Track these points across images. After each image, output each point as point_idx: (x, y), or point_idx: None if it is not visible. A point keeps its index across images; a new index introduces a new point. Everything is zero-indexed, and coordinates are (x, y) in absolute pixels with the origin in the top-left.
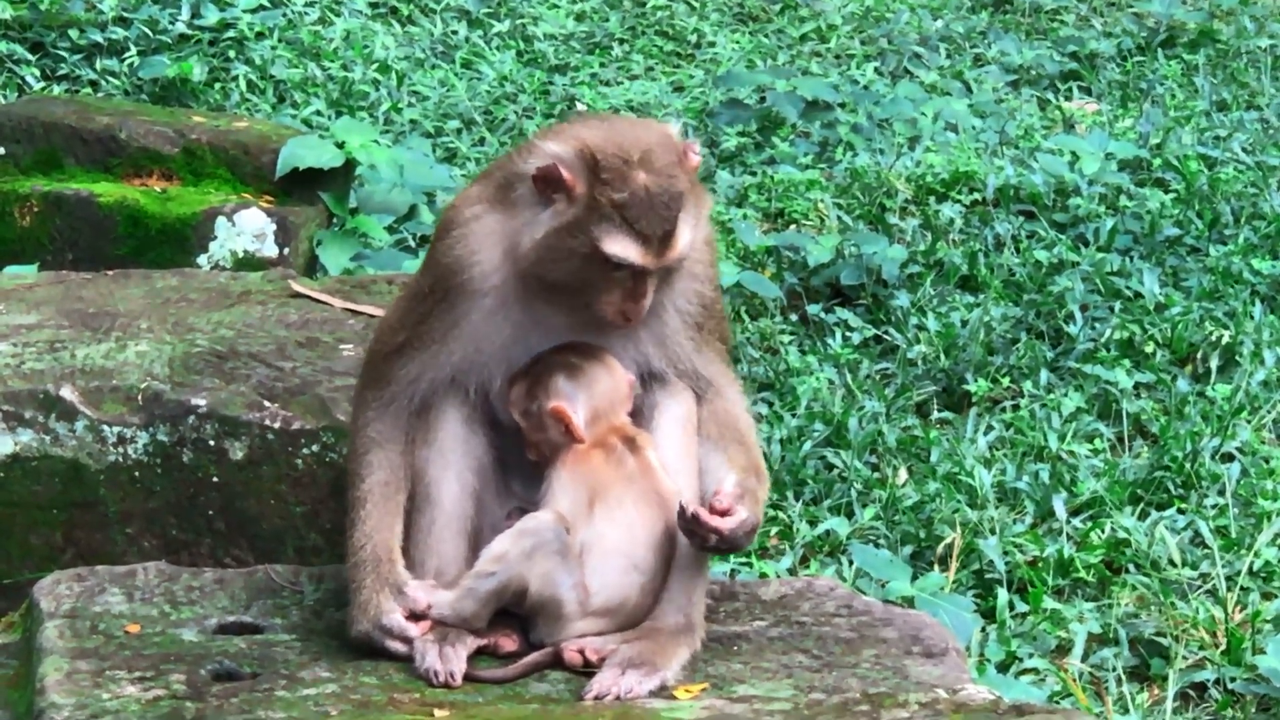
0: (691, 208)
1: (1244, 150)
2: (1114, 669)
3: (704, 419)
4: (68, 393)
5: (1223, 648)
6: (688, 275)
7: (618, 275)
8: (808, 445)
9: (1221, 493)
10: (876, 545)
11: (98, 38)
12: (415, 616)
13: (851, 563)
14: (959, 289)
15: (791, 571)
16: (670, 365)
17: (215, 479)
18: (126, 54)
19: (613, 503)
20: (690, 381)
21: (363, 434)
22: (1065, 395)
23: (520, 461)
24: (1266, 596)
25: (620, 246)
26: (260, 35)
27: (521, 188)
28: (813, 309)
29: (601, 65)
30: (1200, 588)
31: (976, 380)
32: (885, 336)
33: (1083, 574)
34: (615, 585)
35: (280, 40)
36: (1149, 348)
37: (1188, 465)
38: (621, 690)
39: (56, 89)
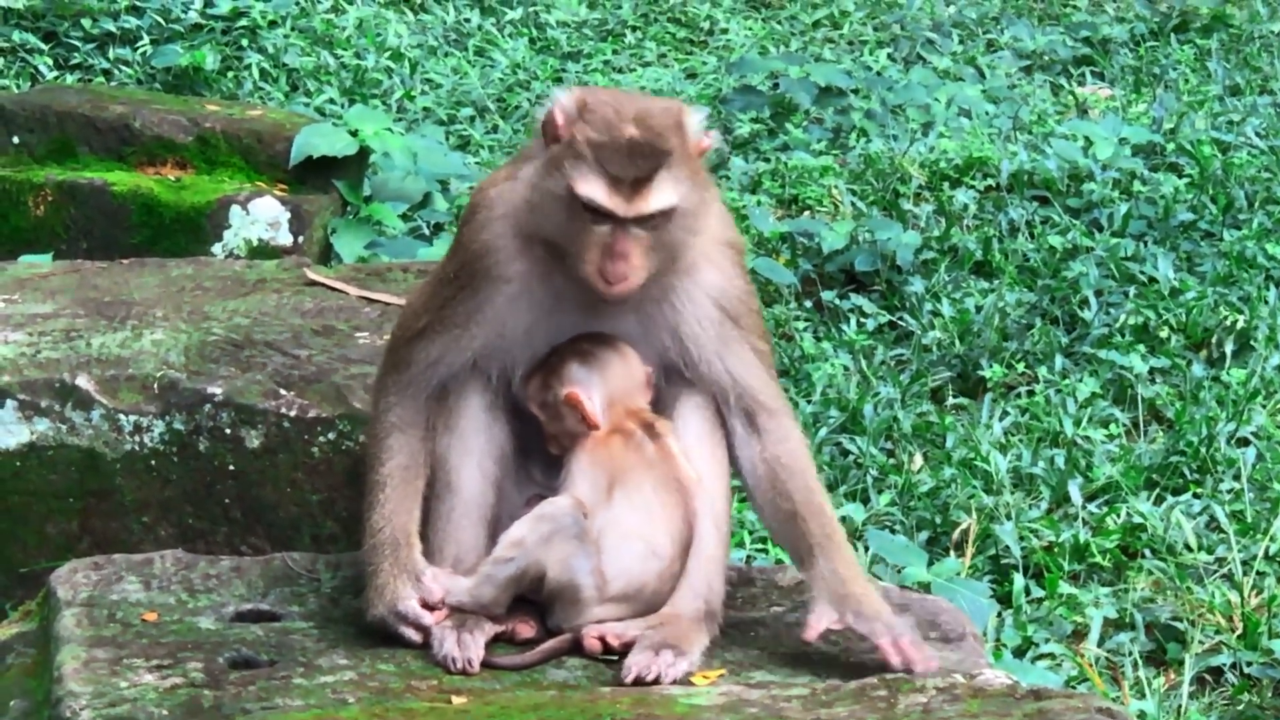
0: (682, 175)
1: (1257, 135)
2: (1130, 654)
3: (761, 459)
4: (84, 382)
5: (1239, 632)
6: (705, 269)
7: (597, 229)
8: (823, 432)
9: (1237, 477)
10: (892, 531)
11: (110, 27)
12: (430, 605)
13: (868, 548)
14: (973, 275)
15: None
16: (690, 363)
17: (231, 467)
18: (139, 43)
19: (631, 488)
20: (723, 389)
21: (383, 419)
22: (1080, 380)
23: (542, 449)
24: None
25: (589, 186)
26: (273, 23)
27: (534, 144)
28: (827, 295)
29: (614, 52)
30: (1216, 572)
31: (991, 366)
32: (900, 322)
33: (1098, 559)
34: (633, 571)
35: (293, 28)
36: (1164, 333)
37: (1203, 450)
38: (660, 669)
39: (70, 78)
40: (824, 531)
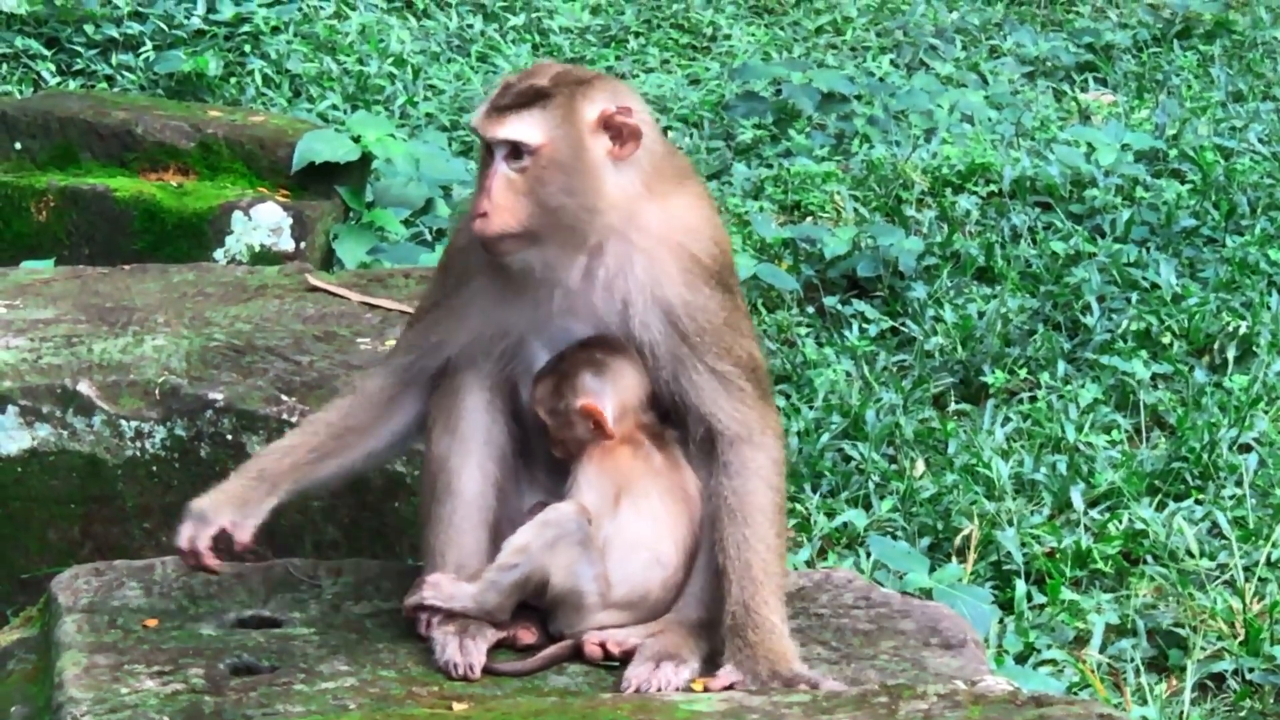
0: (557, 125)
1: (1260, 141)
2: (1132, 660)
3: (714, 493)
4: (85, 387)
5: (1241, 638)
6: (649, 272)
7: (485, 169)
8: (825, 437)
9: (1239, 483)
10: (894, 537)
11: (113, 32)
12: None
13: (869, 554)
14: (976, 280)
15: (809, 563)
16: (651, 377)
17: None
18: (142, 49)
19: (639, 497)
20: (679, 411)
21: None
22: (1082, 386)
23: (544, 451)
24: None
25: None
26: (276, 29)
27: None
28: (829, 301)
29: (617, 58)
30: (1218, 578)
31: (994, 372)
32: (902, 328)
33: (1100, 565)
34: (637, 578)
35: (296, 34)
36: (1166, 339)
37: (1205, 456)
38: (660, 682)
39: (72, 84)
40: (742, 599)
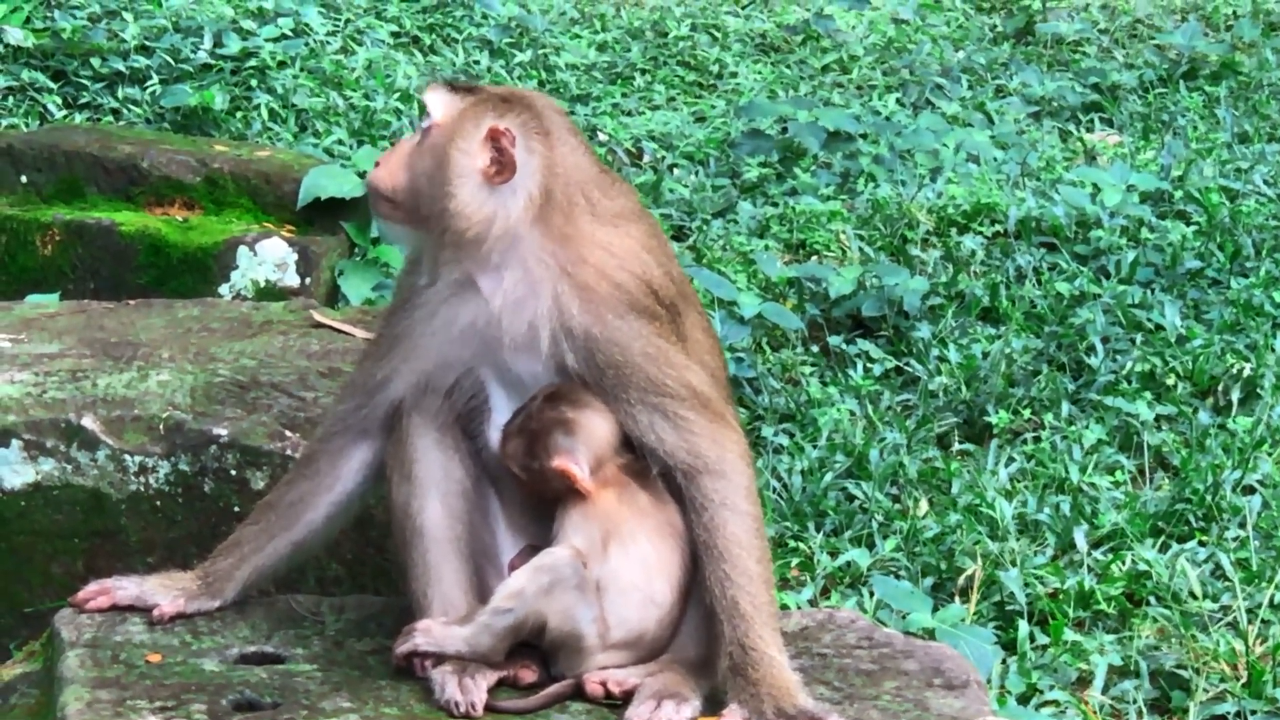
0: (461, 115)
1: (1266, 183)
2: (1134, 701)
3: (691, 529)
4: (89, 422)
5: (1244, 680)
6: (556, 301)
7: None
8: (829, 476)
9: (1243, 525)
10: (897, 577)
11: (120, 66)
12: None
13: (872, 594)
14: (980, 321)
15: (812, 603)
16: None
17: (237, 509)
18: (149, 82)
19: (627, 539)
20: (647, 454)
21: (312, 443)
22: (1086, 427)
23: (513, 489)
24: None
25: None
26: (282, 64)
27: None
28: (834, 340)
29: (623, 95)
30: (1221, 620)
31: (998, 412)
32: (906, 368)
33: (1104, 606)
34: (633, 620)
35: (302, 69)
36: (1170, 380)
37: (1209, 498)
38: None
39: (78, 117)
40: (736, 638)
